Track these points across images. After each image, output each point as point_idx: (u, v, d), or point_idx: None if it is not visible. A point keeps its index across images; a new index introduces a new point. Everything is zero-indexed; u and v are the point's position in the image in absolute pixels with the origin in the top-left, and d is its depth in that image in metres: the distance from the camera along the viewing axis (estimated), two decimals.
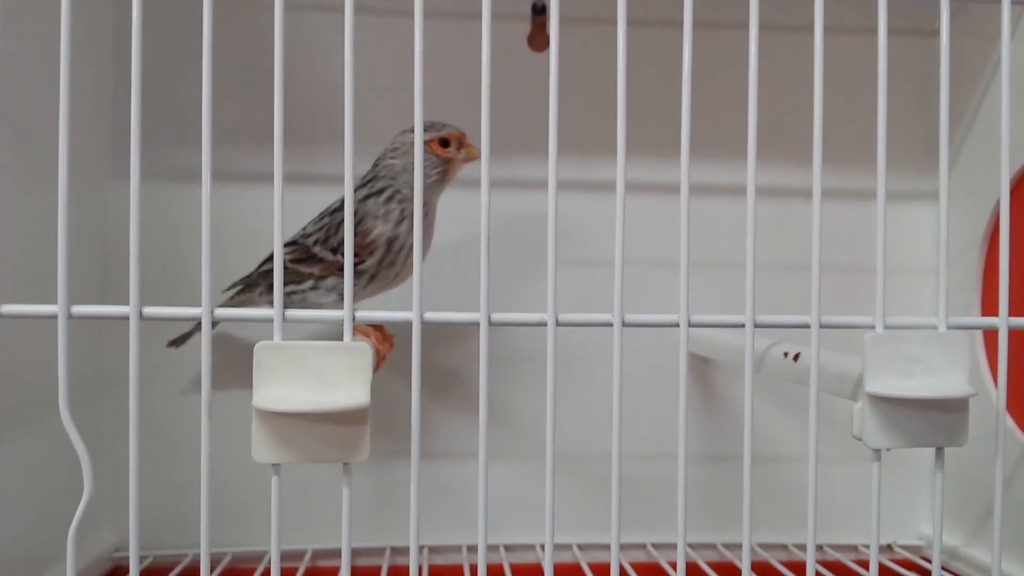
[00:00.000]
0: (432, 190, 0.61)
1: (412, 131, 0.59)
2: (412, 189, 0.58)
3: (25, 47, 0.54)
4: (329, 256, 0.61)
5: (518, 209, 0.71)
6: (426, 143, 0.60)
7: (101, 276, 0.68)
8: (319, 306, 0.61)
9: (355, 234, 0.59)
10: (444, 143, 0.60)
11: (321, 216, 0.63)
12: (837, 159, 0.71)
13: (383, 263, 0.60)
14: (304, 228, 0.63)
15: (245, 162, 0.70)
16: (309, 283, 0.61)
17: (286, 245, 0.62)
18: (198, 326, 0.56)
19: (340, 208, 0.61)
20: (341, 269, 0.59)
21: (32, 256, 0.54)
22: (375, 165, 0.62)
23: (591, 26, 0.71)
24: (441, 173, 0.61)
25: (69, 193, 0.36)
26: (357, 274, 0.60)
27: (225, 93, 0.64)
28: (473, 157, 0.61)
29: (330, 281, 0.61)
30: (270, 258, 0.64)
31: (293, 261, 0.62)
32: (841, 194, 0.74)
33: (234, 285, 0.65)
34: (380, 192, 0.60)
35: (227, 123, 0.65)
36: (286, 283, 0.61)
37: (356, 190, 0.62)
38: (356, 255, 0.58)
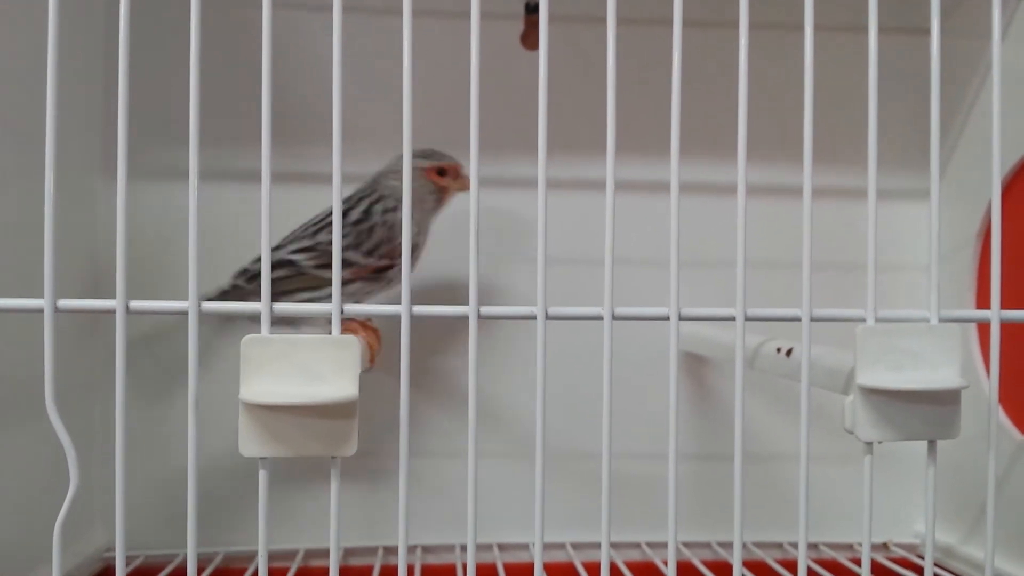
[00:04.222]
0: (428, 214, 0.64)
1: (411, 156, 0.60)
2: (418, 210, 0.62)
3: (14, 45, 0.54)
4: (362, 260, 0.61)
5: (511, 207, 0.71)
6: (424, 170, 0.63)
7: (92, 276, 0.68)
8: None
9: (387, 241, 0.62)
10: (441, 172, 0.63)
11: (326, 223, 0.62)
12: (829, 157, 0.71)
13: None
14: (314, 237, 0.62)
15: (235, 161, 0.70)
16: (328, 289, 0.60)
17: (303, 250, 0.61)
18: None
19: (364, 219, 0.62)
20: (372, 273, 0.61)
21: (22, 256, 0.54)
22: (374, 181, 0.63)
23: (582, 24, 0.71)
24: (436, 200, 0.64)
25: (56, 184, 0.36)
26: (385, 279, 0.62)
27: (215, 92, 0.63)
28: (465, 188, 0.63)
29: (354, 286, 0.61)
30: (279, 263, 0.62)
31: (317, 267, 0.61)
32: (834, 192, 0.74)
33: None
34: (393, 209, 0.62)
35: (217, 122, 0.64)
36: (301, 290, 0.61)
37: (358, 200, 0.62)
38: (389, 258, 0.61)
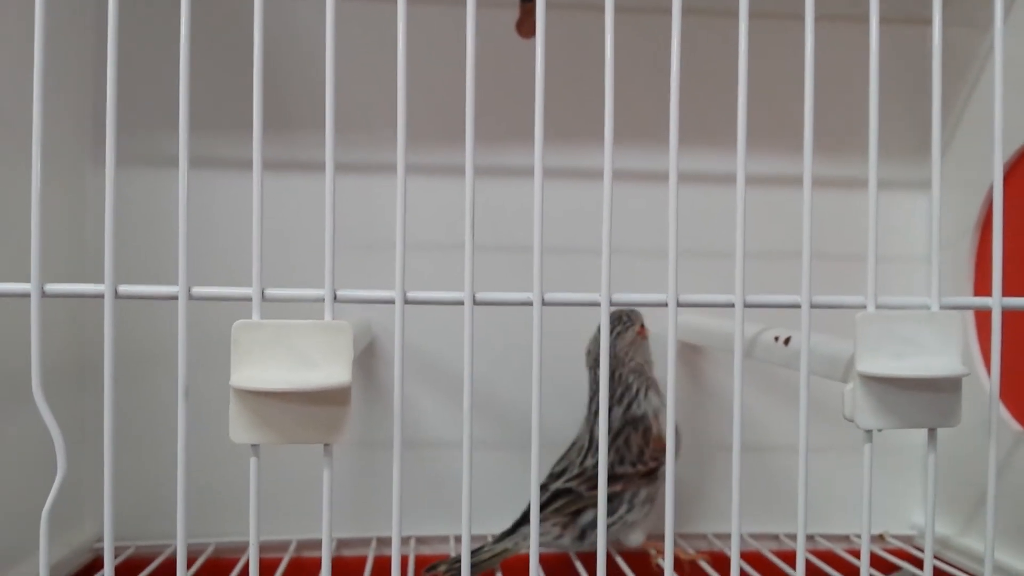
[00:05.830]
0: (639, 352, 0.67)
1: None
2: (637, 371, 0.65)
3: (2, 30, 0.53)
4: (631, 470, 0.64)
5: (506, 196, 0.71)
6: (639, 332, 0.67)
7: (80, 264, 0.67)
8: (635, 524, 0.65)
9: (645, 443, 0.64)
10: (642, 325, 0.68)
11: (590, 450, 0.65)
12: (828, 147, 0.70)
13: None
14: (582, 465, 0.65)
15: (226, 148, 0.69)
16: (624, 508, 0.64)
17: (576, 478, 0.65)
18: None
19: (618, 433, 0.65)
20: (645, 475, 0.64)
21: (10, 243, 0.53)
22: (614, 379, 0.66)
23: (579, 12, 0.70)
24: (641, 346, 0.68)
25: (44, 170, 0.35)
26: (658, 475, 0.64)
27: (207, 79, 0.63)
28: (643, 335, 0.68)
29: (643, 493, 0.64)
30: (556, 494, 0.65)
31: (590, 490, 0.64)
32: (832, 182, 0.74)
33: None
34: (630, 404, 0.65)
35: (208, 109, 0.64)
36: (582, 510, 0.64)
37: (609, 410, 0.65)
38: (655, 460, 0.64)
